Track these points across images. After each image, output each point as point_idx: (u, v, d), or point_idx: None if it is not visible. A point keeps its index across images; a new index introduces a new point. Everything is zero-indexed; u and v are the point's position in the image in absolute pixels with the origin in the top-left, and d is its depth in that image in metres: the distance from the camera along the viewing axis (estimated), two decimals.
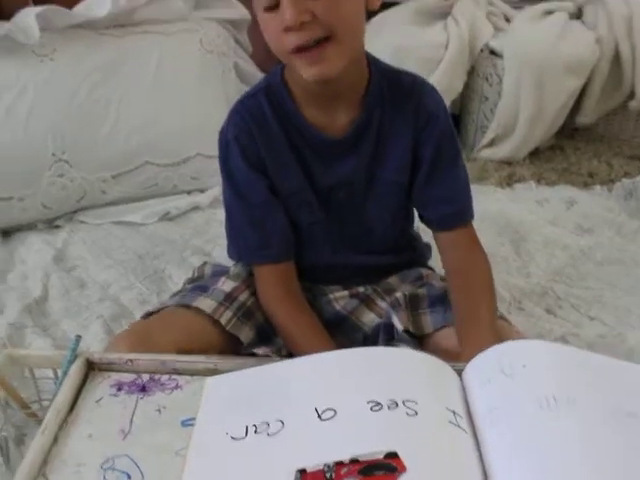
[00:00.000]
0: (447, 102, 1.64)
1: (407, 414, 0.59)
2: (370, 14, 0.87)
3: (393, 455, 0.55)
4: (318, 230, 0.97)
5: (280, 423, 0.61)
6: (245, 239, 0.95)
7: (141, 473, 0.59)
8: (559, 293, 1.25)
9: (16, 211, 1.40)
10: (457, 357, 0.84)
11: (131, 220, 1.45)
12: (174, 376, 0.72)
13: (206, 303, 0.92)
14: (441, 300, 0.95)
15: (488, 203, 1.53)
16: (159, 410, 0.68)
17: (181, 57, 1.58)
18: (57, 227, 1.44)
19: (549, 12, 1.88)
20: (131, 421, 0.66)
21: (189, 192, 1.55)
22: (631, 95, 1.86)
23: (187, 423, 0.65)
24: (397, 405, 0.61)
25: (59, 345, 1.07)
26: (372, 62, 0.91)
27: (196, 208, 1.51)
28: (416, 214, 1.02)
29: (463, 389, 0.66)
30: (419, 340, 0.93)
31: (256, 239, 0.94)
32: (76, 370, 0.72)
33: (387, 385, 0.64)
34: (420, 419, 0.59)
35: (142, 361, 0.73)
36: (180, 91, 1.55)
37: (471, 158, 1.87)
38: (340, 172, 0.93)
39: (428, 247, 1.11)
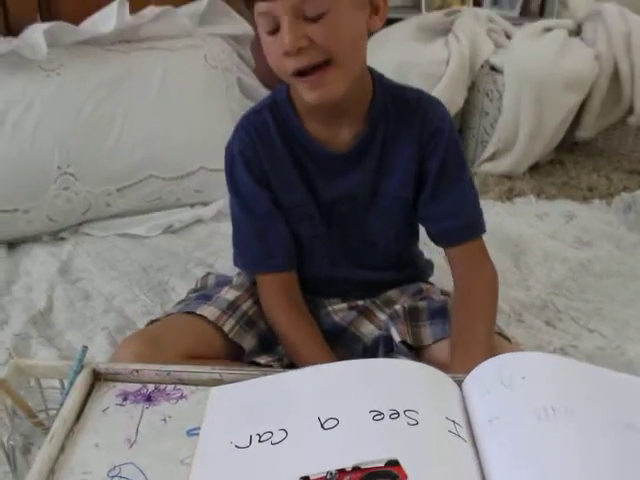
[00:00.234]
0: None
1: (408, 423, 0.60)
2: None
3: (394, 463, 0.56)
4: (319, 243, 0.99)
5: (284, 432, 0.62)
6: (250, 249, 0.97)
7: None
8: (559, 306, 1.26)
9: (21, 223, 1.41)
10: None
11: (135, 233, 1.47)
12: (179, 386, 0.74)
13: (209, 311, 0.94)
14: (441, 313, 0.96)
15: (488, 217, 1.50)
16: (164, 420, 0.69)
17: (186, 72, 1.60)
18: (62, 239, 1.46)
19: (548, 29, 1.91)
20: (137, 430, 0.67)
21: (192, 205, 1.57)
22: (630, 110, 1.88)
23: (192, 432, 0.66)
24: (398, 414, 0.62)
25: (64, 356, 1.08)
26: (376, 78, 0.92)
27: (199, 221, 1.53)
28: (422, 231, 1.02)
29: (463, 399, 0.67)
30: (417, 352, 0.94)
31: (260, 249, 0.96)
32: (82, 380, 0.73)
33: (388, 395, 0.65)
34: (421, 428, 0.60)
35: (148, 371, 0.74)
36: (184, 106, 1.57)
37: (471, 172, 1.89)
38: (343, 186, 0.94)
39: (430, 264, 1.12)
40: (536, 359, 0.71)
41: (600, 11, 1.89)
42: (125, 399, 0.72)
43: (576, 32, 1.96)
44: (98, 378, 0.75)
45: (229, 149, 0.96)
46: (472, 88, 1.92)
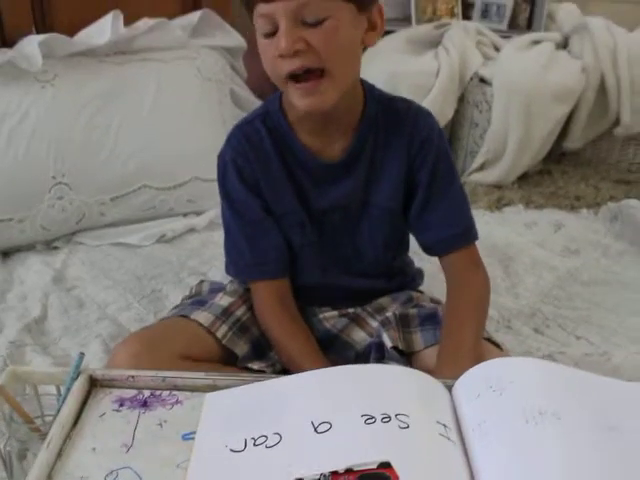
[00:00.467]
0: None
1: (399, 427, 0.61)
2: None
3: (386, 465, 0.57)
4: (310, 251, 1.00)
5: (278, 436, 0.63)
6: (243, 256, 0.98)
7: None
8: (547, 313, 1.28)
9: (15, 232, 1.42)
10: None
11: (129, 242, 1.48)
12: (174, 392, 0.75)
13: (203, 316, 0.95)
14: (431, 319, 0.97)
15: (478, 226, 1.54)
16: (160, 424, 0.70)
17: (179, 84, 1.61)
18: (56, 248, 1.46)
19: (536, 42, 1.94)
20: (133, 435, 0.68)
21: (185, 215, 1.58)
22: (616, 122, 1.92)
23: (187, 437, 0.68)
24: (390, 418, 0.63)
25: (59, 363, 1.08)
26: (368, 89, 0.94)
27: (192, 230, 1.54)
28: (413, 240, 1.04)
29: (453, 404, 0.68)
30: (408, 358, 0.95)
31: (253, 257, 0.97)
32: (79, 386, 0.74)
33: (380, 400, 0.66)
34: (412, 431, 0.61)
35: (143, 377, 0.75)
36: (178, 117, 1.58)
37: (461, 182, 1.91)
38: (334, 196, 0.96)
39: (420, 272, 1.14)
40: (524, 364, 0.73)
41: (586, 25, 1.93)
42: (121, 405, 0.73)
43: (563, 45, 1.99)
44: (94, 384, 0.76)
45: (221, 157, 0.97)
46: (462, 99, 1.95)
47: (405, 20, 2.24)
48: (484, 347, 0.92)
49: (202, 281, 1.12)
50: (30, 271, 1.37)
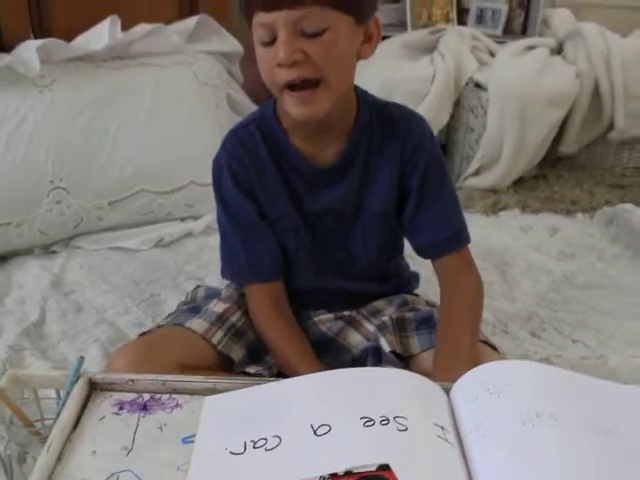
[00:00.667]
0: (433, 133, 1.69)
1: (398, 429, 0.62)
2: None
3: (385, 467, 0.57)
4: (304, 255, 1.01)
5: (277, 439, 0.63)
6: (238, 259, 0.99)
7: None
8: (543, 317, 1.29)
9: (13, 236, 1.42)
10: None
11: (127, 246, 1.48)
12: (174, 395, 0.75)
13: (198, 323, 0.95)
14: (427, 322, 0.98)
15: (473, 230, 1.55)
16: (160, 428, 0.70)
17: (176, 89, 1.62)
18: (54, 252, 1.47)
19: (531, 47, 1.95)
20: (133, 438, 0.69)
21: (183, 219, 1.59)
22: (611, 126, 1.93)
23: (187, 440, 0.68)
24: (388, 421, 0.63)
25: (58, 367, 1.08)
26: (361, 95, 0.95)
27: (189, 235, 1.54)
28: (408, 244, 1.05)
29: (450, 406, 0.69)
30: (406, 362, 0.96)
31: (247, 259, 0.98)
32: (79, 390, 0.74)
33: (379, 402, 0.66)
34: (410, 434, 0.61)
35: (143, 381, 0.76)
36: (175, 121, 1.59)
37: (457, 187, 1.91)
38: (328, 200, 0.97)
39: (415, 276, 1.14)
40: (521, 367, 0.73)
41: (580, 30, 1.94)
42: (121, 408, 0.74)
43: (557, 50, 2.00)
44: (94, 388, 0.76)
45: (216, 161, 0.98)
46: (457, 105, 1.96)
47: (400, 25, 2.26)
48: (481, 350, 0.93)
49: (198, 287, 1.12)
50: (28, 275, 1.37)
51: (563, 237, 1.63)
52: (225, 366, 0.94)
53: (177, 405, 0.74)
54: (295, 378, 0.74)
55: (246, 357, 0.97)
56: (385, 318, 1.01)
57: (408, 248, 1.06)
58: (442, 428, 0.65)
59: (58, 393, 0.78)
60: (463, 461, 0.61)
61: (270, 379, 0.79)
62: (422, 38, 2.02)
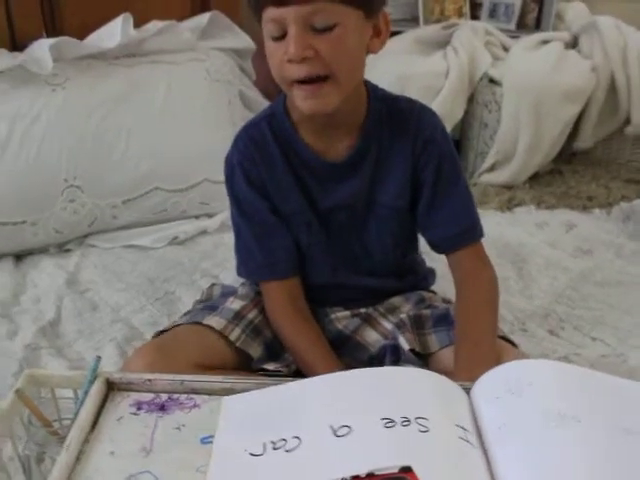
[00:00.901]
0: (448, 128, 1.66)
1: (419, 430, 0.61)
2: None
3: (408, 469, 0.57)
4: (318, 251, 1.00)
5: (297, 439, 0.63)
6: (253, 257, 0.99)
7: None
8: (561, 314, 1.28)
9: (28, 235, 1.42)
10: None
11: (141, 244, 1.48)
12: (192, 395, 0.75)
13: (215, 321, 0.95)
14: (444, 319, 0.98)
15: (489, 227, 1.53)
16: (179, 428, 0.70)
17: (189, 86, 1.62)
18: (68, 251, 1.47)
19: (545, 42, 1.93)
20: (152, 439, 0.68)
21: (197, 217, 1.58)
22: (627, 121, 1.91)
23: (206, 440, 0.67)
24: (409, 422, 0.63)
25: (74, 367, 1.09)
26: (371, 89, 0.95)
27: (204, 232, 1.54)
28: (422, 240, 1.04)
29: (471, 406, 0.68)
30: (424, 360, 0.96)
31: (263, 257, 0.98)
32: (97, 390, 0.74)
33: (399, 403, 0.66)
34: (432, 435, 0.61)
35: (161, 381, 0.75)
36: (188, 118, 1.58)
37: (471, 183, 1.91)
38: (340, 195, 0.96)
39: (432, 272, 1.13)
40: (542, 366, 0.73)
41: (596, 24, 1.92)
42: (139, 408, 0.73)
43: (572, 45, 1.98)
44: (112, 388, 0.76)
45: (228, 160, 0.98)
46: (471, 100, 1.95)
47: (413, 21, 2.24)
48: (500, 346, 0.92)
49: (213, 285, 1.12)
50: (43, 274, 1.37)
51: (579, 233, 1.61)
52: (243, 364, 0.94)
53: (195, 405, 0.73)
54: (313, 378, 0.74)
55: (264, 354, 0.96)
56: (403, 316, 1.00)
57: (424, 244, 1.06)
58: (463, 429, 0.64)
59: (75, 393, 0.78)
60: (485, 463, 0.60)
61: (288, 378, 0.78)
62: (435, 33, 2.01)
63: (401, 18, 2.23)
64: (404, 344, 0.95)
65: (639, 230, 1.59)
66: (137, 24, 1.59)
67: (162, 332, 0.97)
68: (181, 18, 1.70)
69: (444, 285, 1.15)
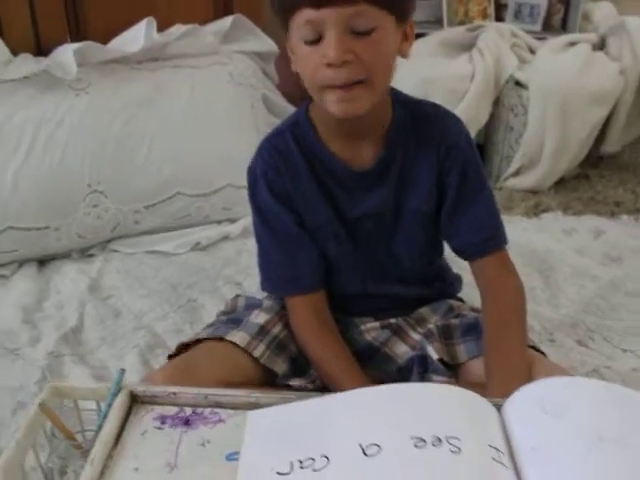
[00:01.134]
0: (472, 132, 1.65)
1: (451, 451, 0.59)
2: None
3: None
4: (346, 260, 0.99)
5: (325, 459, 0.62)
6: (277, 271, 0.97)
7: None
8: (590, 325, 1.25)
9: (51, 240, 1.42)
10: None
11: (163, 250, 1.47)
12: (216, 409, 0.74)
13: (239, 336, 0.93)
14: (473, 329, 0.96)
15: (515, 233, 1.52)
16: (203, 444, 0.69)
17: (212, 90, 1.61)
18: (90, 256, 1.47)
19: (572, 43, 1.90)
20: (176, 454, 0.68)
21: (220, 222, 1.57)
22: None
23: (232, 457, 0.66)
24: (441, 442, 0.61)
25: (97, 374, 1.08)
26: (394, 95, 0.93)
27: (226, 238, 1.53)
28: (446, 245, 1.03)
29: (503, 425, 0.66)
30: (453, 370, 0.94)
31: (288, 271, 0.96)
32: (120, 402, 0.73)
33: (429, 421, 0.64)
34: (464, 456, 0.59)
35: (185, 394, 0.74)
36: (211, 123, 1.57)
37: (496, 188, 1.88)
38: (367, 204, 0.95)
39: (458, 278, 1.12)
40: (577, 385, 0.71)
41: (624, 24, 1.88)
42: (163, 422, 0.72)
43: (600, 46, 1.95)
44: (135, 400, 0.75)
45: (251, 171, 0.96)
46: (497, 103, 1.92)
47: (436, 22, 2.22)
48: (531, 356, 0.90)
49: (237, 296, 1.10)
50: (66, 279, 1.37)
51: (608, 240, 1.58)
52: (267, 380, 0.92)
53: (220, 420, 0.72)
54: (340, 393, 0.72)
55: (289, 370, 0.95)
56: (431, 326, 0.99)
57: (449, 251, 1.04)
58: (497, 450, 0.62)
59: (98, 404, 0.77)
60: None
61: (314, 393, 0.77)
62: (460, 35, 1.98)
63: (425, 20, 2.21)
64: (432, 354, 0.94)
65: None
66: (160, 28, 1.58)
67: (185, 345, 0.95)
68: (204, 22, 1.69)
69: (470, 293, 1.12)
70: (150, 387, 0.76)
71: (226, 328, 0.95)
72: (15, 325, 1.22)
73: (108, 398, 0.74)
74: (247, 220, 1.50)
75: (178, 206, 1.52)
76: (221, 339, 0.93)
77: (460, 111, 1.76)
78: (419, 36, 1.99)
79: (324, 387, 0.91)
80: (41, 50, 1.52)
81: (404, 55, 0.86)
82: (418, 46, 1.94)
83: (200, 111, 1.57)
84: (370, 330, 1.02)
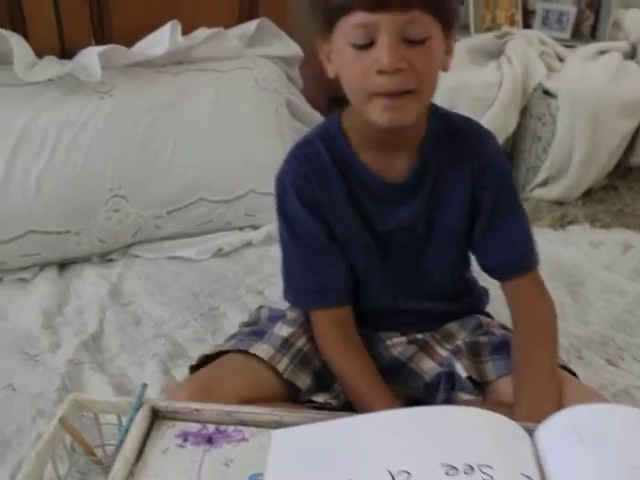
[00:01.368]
0: (500, 141, 1.62)
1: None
2: None
3: None
4: (375, 275, 0.97)
5: None
6: (303, 283, 0.95)
7: None
8: (619, 342, 1.22)
9: (72, 244, 1.42)
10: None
11: (185, 255, 1.46)
12: (240, 427, 0.72)
13: (263, 349, 0.91)
14: (503, 347, 0.94)
15: (542, 245, 1.48)
16: (227, 464, 0.67)
17: (236, 94, 1.59)
18: (111, 261, 1.46)
19: (602, 52, 1.86)
20: (199, 474, 0.66)
21: (242, 228, 1.56)
22: None
23: (255, 479, 0.65)
24: (473, 470, 0.59)
25: (116, 382, 1.07)
26: (429, 106, 0.91)
27: (249, 245, 1.51)
28: (473, 259, 1.01)
29: (535, 451, 0.64)
30: (480, 388, 0.92)
31: (311, 280, 0.94)
32: (142, 417, 0.72)
33: (460, 447, 0.62)
34: None
35: (208, 411, 0.73)
36: (235, 127, 1.56)
37: (523, 198, 1.84)
38: (400, 217, 0.93)
39: (486, 292, 1.10)
40: (615, 412, 0.69)
41: None
42: (185, 440, 0.71)
43: (631, 55, 1.91)
44: (157, 416, 0.74)
45: (280, 179, 0.94)
46: (524, 112, 1.88)
47: (463, 29, 2.18)
48: (561, 377, 0.88)
49: (261, 307, 1.08)
50: (86, 284, 1.36)
51: (637, 254, 1.54)
52: (291, 395, 0.90)
53: (243, 439, 0.71)
54: (368, 415, 0.70)
55: (313, 385, 0.92)
56: (459, 342, 0.97)
57: (474, 264, 1.02)
58: (529, 478, 0.60)
59: (119, 418, 0.76)
60: None
61: (340, 413, 0.75)
62: (488, 42, 1.95)
63: None
64: (461, 371, 0.91)
65: None
66: (185, 31, 1.57)
67: (206, 357, 0.93)
68: (229, 25, 1.68)
69: (497, 306, 1.10)
70: (172, 403, 0.75)
71: (249, 340, 0.93)
72: (35, 330, 1.21)
73: (130, 412, 0.72)
74: (270, 227, 1.49)
75: (200, 212, 1.50)
76: (244, 351, 0.91)
77: (487, 119, 1.73)
78: None
79: (348, 403, 0.89)
80: (65, 53, 1.51)
81: (445, 68, 0.84)
82: None
83: (224, 115, 1.55)
84: (396, 345, 1.00)
